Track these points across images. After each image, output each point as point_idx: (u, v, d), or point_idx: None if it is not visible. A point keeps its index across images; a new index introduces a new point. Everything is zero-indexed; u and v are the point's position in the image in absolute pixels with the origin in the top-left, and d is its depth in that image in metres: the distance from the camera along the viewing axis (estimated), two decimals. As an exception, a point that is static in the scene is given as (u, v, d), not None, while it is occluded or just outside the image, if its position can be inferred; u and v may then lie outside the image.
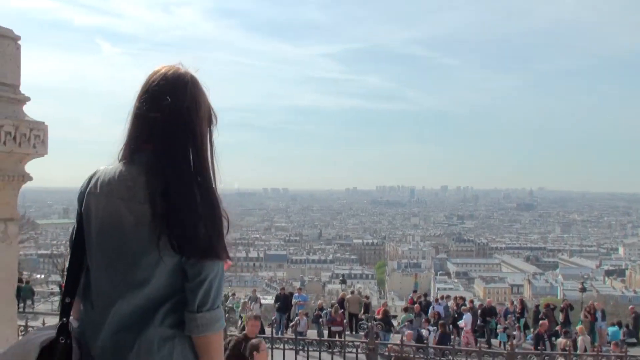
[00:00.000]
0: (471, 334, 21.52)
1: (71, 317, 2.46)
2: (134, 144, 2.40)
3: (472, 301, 25.78)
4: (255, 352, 7.80)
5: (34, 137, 4.22)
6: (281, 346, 12.07)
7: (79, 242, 2.46)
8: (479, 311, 24.00)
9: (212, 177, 2.42)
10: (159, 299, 2.33)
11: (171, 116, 2.34)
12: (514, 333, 19.42)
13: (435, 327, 21.05)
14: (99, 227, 2.37)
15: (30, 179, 4.46)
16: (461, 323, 22.64)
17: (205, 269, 2.29)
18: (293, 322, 19.21)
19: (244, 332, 8.95)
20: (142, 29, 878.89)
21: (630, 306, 28.53)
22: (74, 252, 2.48)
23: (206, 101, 2.46)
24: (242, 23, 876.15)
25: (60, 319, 2.41)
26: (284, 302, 25.66)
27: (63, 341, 2.32)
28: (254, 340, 8.18)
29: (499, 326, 22.79)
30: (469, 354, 10.17)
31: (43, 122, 4.34)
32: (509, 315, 23.24)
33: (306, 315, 23.03)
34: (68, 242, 2.62)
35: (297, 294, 27.52)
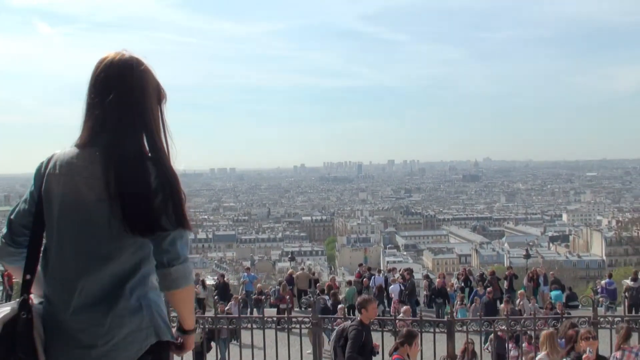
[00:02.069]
0: (399, 304, 21.82)
1: (32, 295, 2.59)
2: (90, 130, 2.56)
3: (407, 272, 25.97)
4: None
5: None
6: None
7: (38, 222, 2.59)
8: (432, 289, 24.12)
9: (167, 154, 2.62)
10: (125, 272, 2.49)
11: (122, 100, 2.52)
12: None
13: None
14: (60, 205, 2.51)
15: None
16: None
17: (171, 233, 2.48)
18: (227, 307, 18.66)
19: (359, 319, 8.58)
20: (82, 9, 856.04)
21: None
22: (34, 231, 2.60)
23: (154, 81, 2.65)
24: (184, 2, 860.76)
25: (21, 295, 2.54)
26: (222, 291, 24.41)
27: (25, 316, 2.46)
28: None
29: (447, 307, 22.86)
30: (410, 324, 10.15)
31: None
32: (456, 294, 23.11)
33: (243, 298, 22.76)
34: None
35: (245, 274, 27.35)
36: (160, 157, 2.56)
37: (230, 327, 11.58)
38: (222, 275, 28.21)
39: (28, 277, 2.56)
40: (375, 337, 10.25)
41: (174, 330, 2.72)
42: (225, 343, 15.05)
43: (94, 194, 2.44)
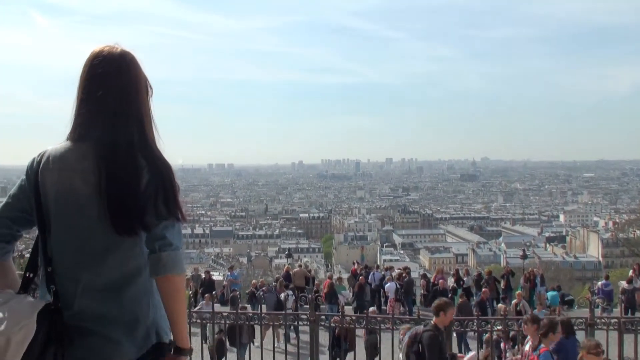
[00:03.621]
0: (395, 302, 21.84)
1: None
2: (82, 124, 2.55)
3: (405, 270, 26.00)
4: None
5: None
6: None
7: (39, 219, 2.56)
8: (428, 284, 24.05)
9: (158, 146, 2.62)
10: (127, 266, 2.48)
11: (114, 94, 2.53)
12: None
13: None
14: (55, 201, 2.50)
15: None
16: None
17: (163, 222, 2.48)
18: (198, 307, 18.03)
19: (433, 323, 8.08)
20: (78, 2, 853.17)
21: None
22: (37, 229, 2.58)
23: (144, 75, 2.66)
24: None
25: (22, 292, 2.54)
26: (208, 287, 24.31)
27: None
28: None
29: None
30: (385, 321, 10.23)
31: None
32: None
33: (216, 295, 22.49)
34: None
35: (229, 273, 27.37)
36: (153, 150, 2.57)
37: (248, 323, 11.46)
38: (208, 272, 28.01)
39: (28, 274, 2.58)
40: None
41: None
42: (246, 348, 13.26)
43: (87, 189, 2.45)
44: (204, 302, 19.17)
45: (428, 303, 23.52)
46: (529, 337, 8.46)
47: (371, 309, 16.06)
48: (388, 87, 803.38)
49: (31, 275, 2.58)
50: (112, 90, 2.53)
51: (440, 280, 23.41)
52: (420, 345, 7.86)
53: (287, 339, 16.52)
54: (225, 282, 25.62)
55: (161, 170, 2.51)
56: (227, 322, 10.76)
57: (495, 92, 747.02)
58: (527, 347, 8.37)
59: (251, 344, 12.24)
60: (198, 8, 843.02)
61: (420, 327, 8.22)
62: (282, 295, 20.52)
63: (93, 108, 2.53)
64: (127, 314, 2.46)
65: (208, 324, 12.13)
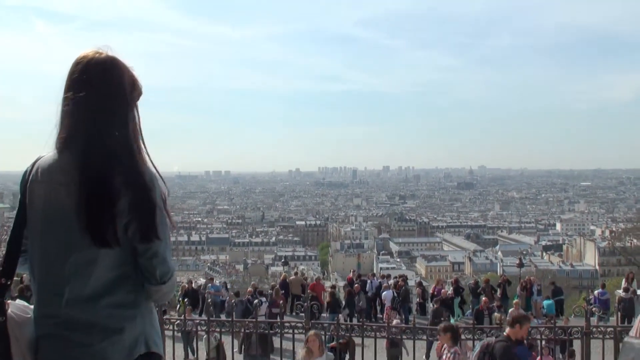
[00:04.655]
0: (392, 310, 21.80)
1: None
2: (67, 132, 2.49)
3: (402, 279, 25.99)
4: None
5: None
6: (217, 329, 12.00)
7: (18, 227, 2.55)
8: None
9: (144, 156, 2.55)
10: (116, 276, 2.46)
11: (99, 101, 2.48)
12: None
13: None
14: (43, 212, 2.48)
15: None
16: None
17: (153, 247, 2.45)
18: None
19: (506, 334, 7.94)
20: (79, 8, 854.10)
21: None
22: (14, 237, 2.55)
23: (130, 80, 2.58)
24: (182, 3, 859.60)
25: None
26: (192, 298, 23.73)
27: (2, 320, 2.44)
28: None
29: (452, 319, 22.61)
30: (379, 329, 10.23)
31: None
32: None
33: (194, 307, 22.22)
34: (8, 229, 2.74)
35: (210, 285, 27.24)
36: (137, 163, 2.49)
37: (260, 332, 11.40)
38: (190, 282, 27.38)
39: (4, 280, 2.51)
40: (368, 342, 10.27)
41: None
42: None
43: (70, 202, 2.40)
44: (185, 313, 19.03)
45: (426, 312, 23.56)
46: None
47: (395, 321, 15.75)
48: (386, 95, 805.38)
49: (8, 282, 2.52)
50: (95, 96, 2.46)
51: (443, 290, 23.31)
52: (491, 356, 7.72)
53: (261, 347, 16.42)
54: (206, 294, 25.19)
55: (142, 188, 2.43)
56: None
57: (493, 100, 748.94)
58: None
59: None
60: (199, 16, 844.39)
61: (492, 338, 8.17)
62: (255, 302, 20.40)
63: (76, 114, 2.47)
64: (112, 323, 2.43)
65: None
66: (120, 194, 2.38)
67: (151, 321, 2.56)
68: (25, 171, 2.57)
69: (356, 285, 24.37)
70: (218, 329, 11.19)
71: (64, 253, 2.42)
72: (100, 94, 2.47)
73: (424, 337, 10.28)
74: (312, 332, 9.37)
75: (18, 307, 2.53)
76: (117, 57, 2.55)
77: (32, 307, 2.54)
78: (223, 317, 20.55)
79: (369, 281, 24.81)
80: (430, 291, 24.37)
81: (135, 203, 2.40)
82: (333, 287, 24.94)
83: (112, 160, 2.43)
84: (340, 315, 19.22)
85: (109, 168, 2.40)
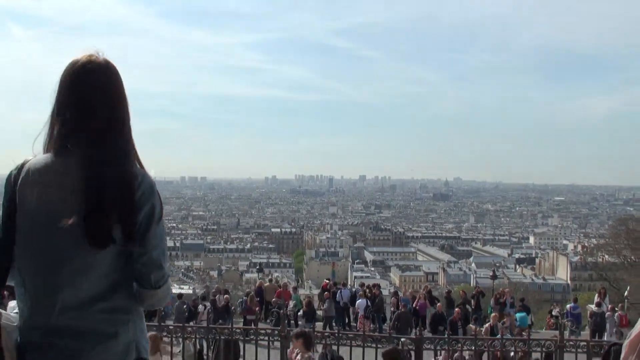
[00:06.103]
0: (364, 319, 21.91)
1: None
2: (61, 136, 2.43)
3: (373, 287, 26.07)
4: None
5: None
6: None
7: (7, 233, 2.44)
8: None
9: (138, 160, 2.54)
10: (109, 282, 2.40)
11: (102, 106, 2.44)
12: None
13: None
14: (34, 217, 2.38)
15: None
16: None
17: (146, 247, 2.42)
18: None
19: None
20: (54, 12, 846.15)
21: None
22: (5, 245, 2.45)
23: (123, 85, 2.55)
24: (158, 10, 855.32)
25: None
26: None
27: None
28: None
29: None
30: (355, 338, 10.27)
31: None
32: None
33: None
34: None
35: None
36: (134, 167, 2.47)
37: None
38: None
39: None
40: (343, 351, 10.30)
41: None
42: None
43: (66, 206, 2.33)
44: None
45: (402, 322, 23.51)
46: None
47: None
48: (364, 105, 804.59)
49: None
50: (91, 100, 2.42)
51: (438, 305, 23.12)
52: None
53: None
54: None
55: (142, 191, 2.41)
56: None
57: (470, 115, 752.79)
58: None
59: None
60: (175, 21, 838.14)
61: None
62: (200, 307, 20.31)
63: (71, 118, 2.41)
64: (105, 328, 2.38)
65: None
66: (120, 197, 2.34)
67: (142, 327, 2.53)
68: (10, 174, 2.47)
69: (326, 293, 24.41)
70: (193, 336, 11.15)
71: (60, 258, 2.35)
72: (99, 98, 2.43)
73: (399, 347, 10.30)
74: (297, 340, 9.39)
75: (5, 316, 2.44)
76: (112, 62, 2.52)
77: (16, 315, 2.45)
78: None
79: (339, 291, 24.71)
80: (413, 305, 24.02)
81: (132, 207, 2.37)
82: (308, 296, 24.93)
83: (113, 163, 2.39)
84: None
85: (110, 171, 2.37)
